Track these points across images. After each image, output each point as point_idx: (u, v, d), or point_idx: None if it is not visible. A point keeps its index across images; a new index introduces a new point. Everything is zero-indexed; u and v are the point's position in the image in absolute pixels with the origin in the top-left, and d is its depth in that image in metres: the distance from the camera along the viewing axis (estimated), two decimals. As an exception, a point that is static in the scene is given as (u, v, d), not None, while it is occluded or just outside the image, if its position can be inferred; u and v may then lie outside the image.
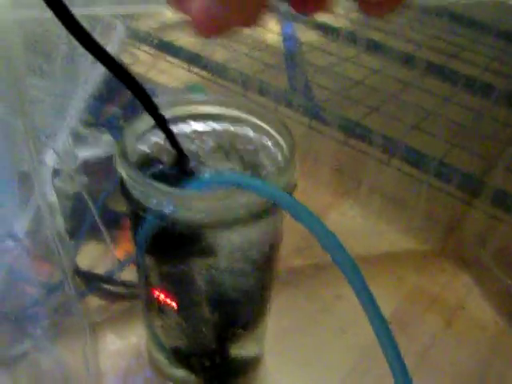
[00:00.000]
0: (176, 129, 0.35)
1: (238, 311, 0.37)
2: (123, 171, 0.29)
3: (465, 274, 0.57)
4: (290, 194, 0.30)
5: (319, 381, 0.45)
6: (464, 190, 0.64)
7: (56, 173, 0.49)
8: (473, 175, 0.64)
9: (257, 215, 0.29)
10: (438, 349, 0.49)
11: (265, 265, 0.36)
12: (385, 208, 0.65)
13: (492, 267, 0.57)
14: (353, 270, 0.23)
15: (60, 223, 0.43)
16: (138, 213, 0.31)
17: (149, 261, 0.34)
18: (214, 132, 0.36)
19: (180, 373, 0.43)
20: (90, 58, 0.24)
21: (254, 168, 0.34)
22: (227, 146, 0.36)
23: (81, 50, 0.24)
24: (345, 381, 0.46)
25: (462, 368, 0.48)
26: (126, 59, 0.80)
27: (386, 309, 0.52)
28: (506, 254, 0.58)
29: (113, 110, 0.58)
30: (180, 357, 0.41)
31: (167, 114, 0.34)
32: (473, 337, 0.51)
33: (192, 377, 0.43)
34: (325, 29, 0.89)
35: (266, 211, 0.29)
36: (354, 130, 0.69)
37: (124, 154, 0.30)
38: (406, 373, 0.22)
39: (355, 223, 0.63)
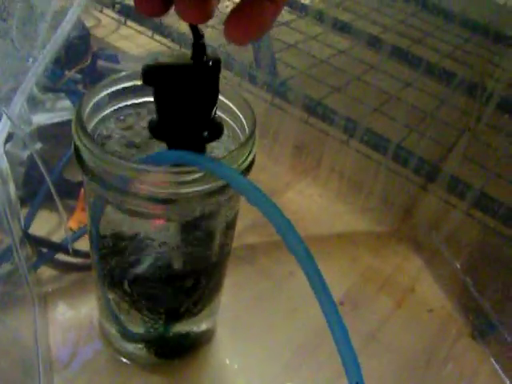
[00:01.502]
0: (133, 99, 0.34)
1: (191, 286, 0.37)
2: (78, 139, 0.28)
3: (417, 257, 0.59)
4: (248, 170, 0.30)
5: (270, 355, 0.46)
6: (420, 175, 0.65)
7: (8, 137, 0.48)
8: (429, 161, 0.65)
9: (211, 192, 0.29)
10: (387, 329, 0.50)
11: (220, 240, 0.36)
12: (342, 188, 0.66)
13: (443, 251, 0.58)
14: (305, 256, 0.23)
15: (11, 190, 0.42)
16: (92, 182, 0.30)
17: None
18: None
19: (131, 347, 0.43)
20: (49, 20, 0.23)
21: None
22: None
23: (39, 10, 0.23)
24: (295, 356, 0.46)
25: (409, 349, 0.49)
26: (88, 22, 0.78)
27: (340, 288, 0.54)
28: (457, 240, 0.60)
29: (72, 74, 0.56)
30: (131, 330, 0.41)
31: (127, 83, 0.33)
32: (420, 319, 0.52)
33: (143, 351, 0.43)
34: (293, 5, 0.88)
35: (220, 188, 0.29)
36: (315, 109, 0.69)
37: (81, 122, 0.29)
38: (352, 352, 0.22)
39: (312, 202, 0.64)
